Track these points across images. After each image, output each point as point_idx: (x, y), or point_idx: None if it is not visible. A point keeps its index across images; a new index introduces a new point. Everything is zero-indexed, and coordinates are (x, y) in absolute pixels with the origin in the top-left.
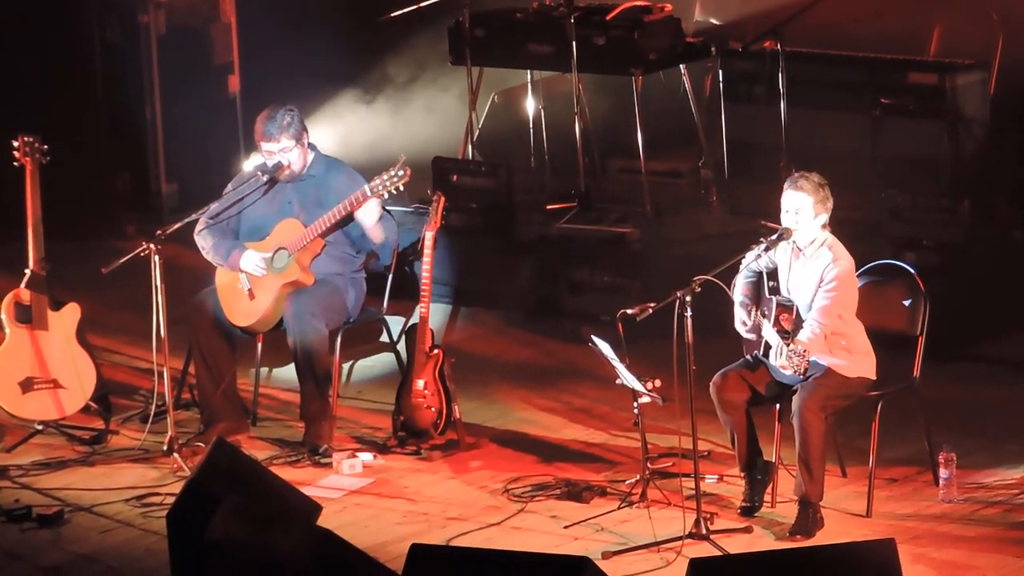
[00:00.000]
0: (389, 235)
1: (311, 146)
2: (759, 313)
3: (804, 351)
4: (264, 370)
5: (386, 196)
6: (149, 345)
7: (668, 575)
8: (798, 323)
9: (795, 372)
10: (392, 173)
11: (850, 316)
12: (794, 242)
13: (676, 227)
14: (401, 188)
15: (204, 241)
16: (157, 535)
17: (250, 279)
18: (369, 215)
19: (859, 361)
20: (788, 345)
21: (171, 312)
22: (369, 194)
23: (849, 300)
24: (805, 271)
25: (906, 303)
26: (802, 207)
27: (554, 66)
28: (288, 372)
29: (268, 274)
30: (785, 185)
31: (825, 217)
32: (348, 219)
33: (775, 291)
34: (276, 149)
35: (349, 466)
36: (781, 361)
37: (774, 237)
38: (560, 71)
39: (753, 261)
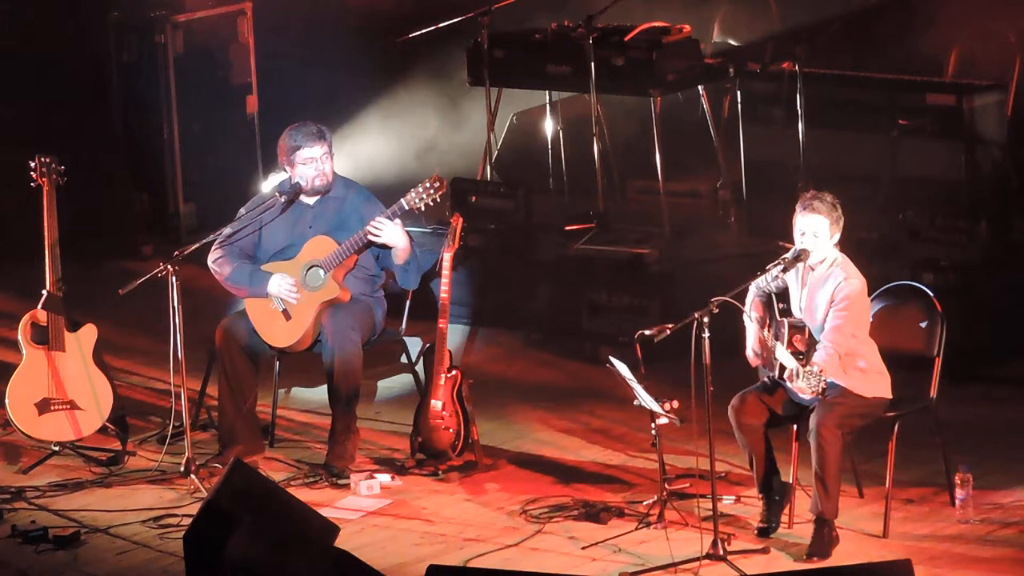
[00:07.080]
0: (415, 257)
1: None
2: (771, 335)
3: (821, 371)
4: (281, 392)
5: (422, 209)
6: (166, 366)
7: None
8: (811, 344)
9: (813, 393)
10: (428, 185)
11: (863, 335)
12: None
13: (694, 248)
14: (438, 200)
15: (221, 268)
16: (174, 556)
17: (283, 300)
18: (396, 236)
19: (874, 380)
20: (804, 367)
21: (188, 333)
22: (392, 217)
23: (862, 319)
24: (818, 291)
25: (923, 324)
26: (819, 229)
27: (573, 87)
28: (305, 393)
29: (304, 292)
30: (798, 207)
31: (839, 236)
32: (371, 242)
33: (786, 312)
34: (319, 154)
35: (367, 487)
36: (799, 384)
37: (791, 258)
38: (579, 92)
39: (765, 282)
